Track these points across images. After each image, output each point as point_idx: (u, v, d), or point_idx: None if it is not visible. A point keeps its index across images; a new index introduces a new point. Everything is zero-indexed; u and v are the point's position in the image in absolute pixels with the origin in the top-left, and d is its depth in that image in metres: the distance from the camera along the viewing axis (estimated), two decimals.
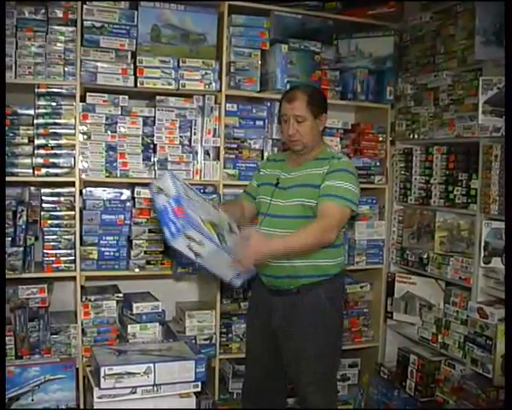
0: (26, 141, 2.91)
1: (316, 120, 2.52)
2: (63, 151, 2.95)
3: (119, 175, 3.05)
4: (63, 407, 2.82)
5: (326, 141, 2.87)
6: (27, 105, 2.92)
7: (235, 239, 2.39)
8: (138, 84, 3.01)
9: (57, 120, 2.93)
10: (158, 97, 3.09)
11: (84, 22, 2.92)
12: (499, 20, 2.79)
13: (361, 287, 3.61)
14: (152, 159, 3.09)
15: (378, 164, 3.53)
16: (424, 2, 3.27)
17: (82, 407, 2.94)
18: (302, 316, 2.48)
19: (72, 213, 2.98)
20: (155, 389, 2.66)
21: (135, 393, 2.63)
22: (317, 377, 2.49)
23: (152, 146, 3.10)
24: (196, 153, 3.16)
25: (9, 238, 2.84)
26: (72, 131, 2.96)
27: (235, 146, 3.24)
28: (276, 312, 2.54)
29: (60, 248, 2.98)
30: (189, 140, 3.15)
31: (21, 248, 2.87)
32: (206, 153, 3.17)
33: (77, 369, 2.93)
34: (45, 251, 2.96)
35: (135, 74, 3.00)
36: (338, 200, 2.38)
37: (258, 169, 2.86)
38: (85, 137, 2.99)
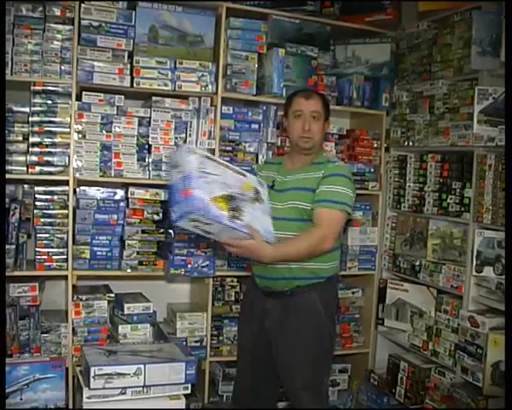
0: (20, 138, 2.90)
1: (325, 123, 2.56)
2: (58, 150, 2.94)
3: (113, 175, 3.04)
4: (52, 406, 2.80)
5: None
6: (23, 102, 2.91)
7: (254, 209, 2.30)
8: (134, 85, 3.01)
9: (52, 119, 2.92)
10: (154, 98, 3.09)
11: (82, 21, 2.92)
12: (495, 31, 2.80)
13: (353, 293, 3.62)
14: (146, 159, 3.08)
15: (372, 170, 3.54)
16: (422, 10, 3.28)
17: (71, 406, 2.92)
18: (296, 319, 2.47)
19: (66, 211, 2.98)
20: (145, 390, 2.65)
21: (124, 394, 2.62)
22: (309, 382, 2.49)
23: (147, 147, 3.09)
24: None
25: None
26: (67, 130, 2.95)
27: (230, 149, 3.23)
28: (270, 314, 2.53)
29: (52, 247, 2.96)
30: (184, 141, 3.13)
31: (13, 246, 2.85)
32: None
33: (66, 368, 2.91)
34: (37, 249, 2.95)
35: (131, 74, 3.00)
36: (334, 205, 2.38)
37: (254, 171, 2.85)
38: (80, 136, 2.98)
